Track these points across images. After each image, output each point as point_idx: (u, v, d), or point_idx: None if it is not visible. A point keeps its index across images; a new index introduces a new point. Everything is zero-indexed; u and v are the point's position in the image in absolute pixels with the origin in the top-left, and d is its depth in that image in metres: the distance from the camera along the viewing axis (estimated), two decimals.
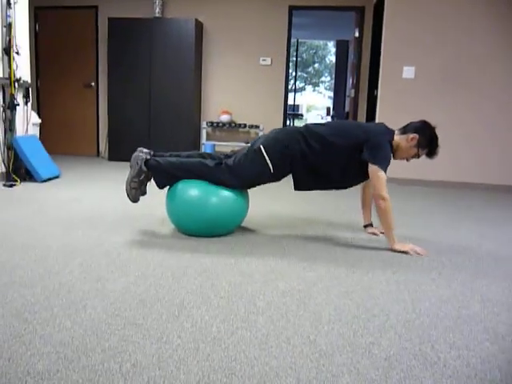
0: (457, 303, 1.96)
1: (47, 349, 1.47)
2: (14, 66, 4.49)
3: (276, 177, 2.79)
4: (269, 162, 2.67)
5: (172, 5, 6.73)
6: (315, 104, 35.10)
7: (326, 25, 9.18)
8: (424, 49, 5.04)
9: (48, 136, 6.97)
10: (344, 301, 1.93)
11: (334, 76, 12.25)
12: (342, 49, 10.84)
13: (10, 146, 4.50)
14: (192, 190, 2.71)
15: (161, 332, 1.60)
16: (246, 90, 6.74)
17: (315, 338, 1.59)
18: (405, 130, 2.77)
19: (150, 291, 1.95)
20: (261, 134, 6.53)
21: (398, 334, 1.66)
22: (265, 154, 2.67)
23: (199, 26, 6.51)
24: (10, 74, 4.45)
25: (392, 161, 2.73)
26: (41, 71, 7.15)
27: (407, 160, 2.83)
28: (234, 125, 6.55)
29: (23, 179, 4.54)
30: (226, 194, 2.71)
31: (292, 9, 6.45)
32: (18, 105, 4.55)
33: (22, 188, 4.20)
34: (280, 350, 1.51)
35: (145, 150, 2.82)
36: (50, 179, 4.69)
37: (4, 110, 4.45)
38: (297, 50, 13.88)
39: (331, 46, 24.64)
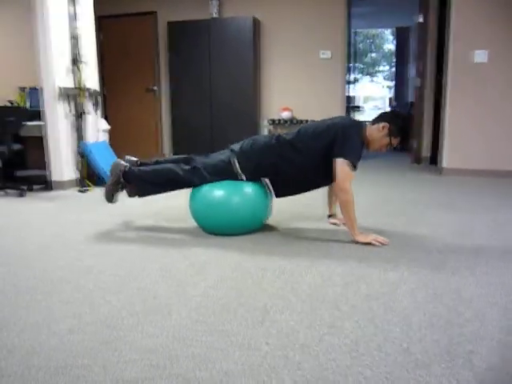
0: None
1: (136, 356, 1.48)
2: (83, 76, 4.66)
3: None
4: (242, 175, 2.77)
5: (229, 4, 6.75)
6: (372, 95, 34.21)
7: (385, 12, 8.88)
8: (498, 30, 4.74)
9: (115, 141, 7.22)
10: (433, 304, 1.83)
11: (393, 65, 11.87)
12: (402, 36, 10.46)
13: (83, 153, 4.69)
14: (216, 189, 2.76)
15: (247, 339, 1.58)
16: (306, 85, 6.65)
17: (408, 346, 1.51)
18: (375, 121, 2.77)
19: (231, 295, 1.94)
20: None
21: (497, 341, 1.55)
22: (238, 168, 2.76)
23: (257, 24, 6.49)
24: (79, 83, 4.63)
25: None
26: (106, 78, 7.42)
27: (381, 150, 2.79)
28: (295, 121, 6.49)
29: (96, 184, 4.72)
30: (248, 190, 2.76)
31: None
32: (89, 113, 4.73)
33: (95, 193, 4.36)
34: (372, 358, 1.45)
35: (133, 159, 3.03)
36: None
37: (76, 119, 4.63)
38: (354, 41, 13.56)
39: (388, 34, 23.91)
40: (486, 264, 2.28)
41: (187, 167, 2.84)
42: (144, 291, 2.00)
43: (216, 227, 2.82)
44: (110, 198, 2.99)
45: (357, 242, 2.62)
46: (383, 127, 2.70)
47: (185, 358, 1.47)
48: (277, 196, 2.92)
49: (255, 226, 2.88)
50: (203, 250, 2.55)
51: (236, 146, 2.85)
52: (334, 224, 3.07)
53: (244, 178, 2.77)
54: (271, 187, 2.88)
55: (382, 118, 2.76)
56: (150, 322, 1.71)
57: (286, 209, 3.49)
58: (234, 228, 2.80)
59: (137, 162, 3.03)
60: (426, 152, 6.30)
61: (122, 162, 2.94)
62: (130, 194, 2.98)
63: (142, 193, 2.95)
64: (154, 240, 2.77)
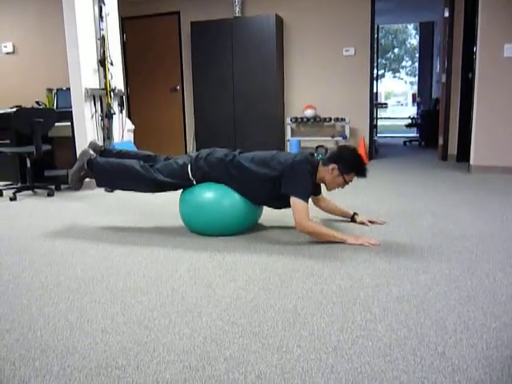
0: None
1: (171, 357, 1.49)
2: (109, 77, 4.72)
3: None
4: (194, 180, 2.82)
5: (251, 3, 6.74)
6: (394, 90, 33.80)
7: (409, 7, 8.74)
8: None
9: (139, 140, 7.29)
10: (467, 307, 1.79)
11: (417, 60, 11.69)
12: (426, 31, 10.30)
13: None
14: (206, 191, 2.80)
15: (279, 341, 1.57)
16: (329, 83, 6.60)
17: (443, 350, 1.49)
18: (325, 162, 2.76)
19: (261, 296, 1.94)
20: (347, 126, 6.38)
21: None
22: (190, 173, 2.80)
23: (279, 21, 6.47)
24: (105, 84, 4.69)
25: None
26: (130, 79, 7.50)
27: (342, 187, 2.77)
28: (318, 119, 6.45)
29: None
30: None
31: None
32: (115, 113, 4.79)
33: (122, 193, 4.40)
34: (407, 362, 1.42)
35: (98, 143, 3.12)
36: None
37: (102, 119, 4.69)
38: (377, 37, 13.39)
39: (411, 29, 23.59)
40: None
41: (146, 164, 2.89)
42: (173, 292, 2.01)
43: (207, 228, 2.85)
44: (73, 183, 3.04)
45: (351, 244, 2.61)
46: (332, 169, 2.70)
47: (220, 359, 1.47)
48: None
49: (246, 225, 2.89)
50: (229, 250, 2.56)
51: (194, 153, 2.90)
52: (362, 223, 3.04)
53: (195, 182, 2.82)
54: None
55: (330, 159, 2.75)
56: (183, 322, 1.72)
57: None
58: (226, 228, 2.83)
59: (101, 147, 3.12)
60: (452, 149, 6.19)
61: (91, 152, 3.02)
62: (98, 183, 3.03)
63: (99, 182, 2.99)
64: (180, 241, 2.79)
